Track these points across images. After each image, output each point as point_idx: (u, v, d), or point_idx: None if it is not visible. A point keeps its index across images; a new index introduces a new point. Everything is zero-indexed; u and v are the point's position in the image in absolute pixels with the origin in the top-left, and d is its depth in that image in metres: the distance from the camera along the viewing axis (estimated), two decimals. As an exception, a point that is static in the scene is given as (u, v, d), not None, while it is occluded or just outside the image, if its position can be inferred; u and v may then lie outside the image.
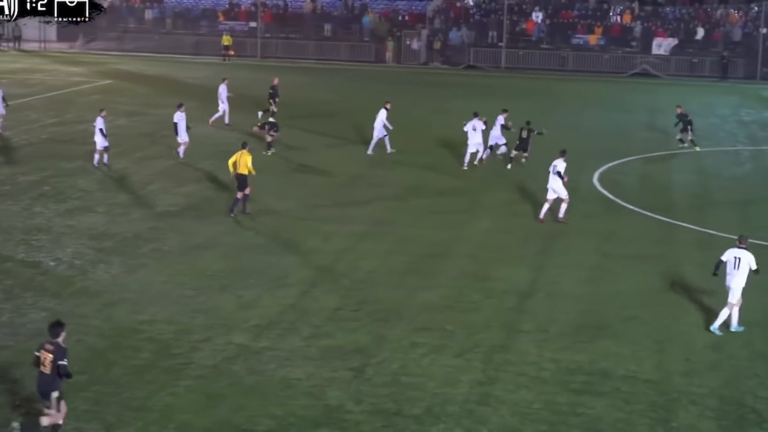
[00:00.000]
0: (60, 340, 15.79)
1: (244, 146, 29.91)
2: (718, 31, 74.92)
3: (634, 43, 75.67)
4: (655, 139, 45.48)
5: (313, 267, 25.06)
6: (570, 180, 35.53)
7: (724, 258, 21.32)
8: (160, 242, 26.91)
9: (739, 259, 21.21)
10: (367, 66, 73.67)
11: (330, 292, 23.22)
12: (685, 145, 42.10)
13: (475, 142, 36.98)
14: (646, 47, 74.54)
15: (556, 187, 29.65)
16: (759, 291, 23.73)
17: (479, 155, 37.34)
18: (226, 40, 74.71)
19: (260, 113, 41.86)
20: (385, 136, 39.24)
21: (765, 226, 30.10)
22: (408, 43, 76.68)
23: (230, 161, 29.72)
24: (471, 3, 79.74)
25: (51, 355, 15.58)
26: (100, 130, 35.32)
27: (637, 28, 75.76)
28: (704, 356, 19.97)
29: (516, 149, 37.99)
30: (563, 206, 29.83)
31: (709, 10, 76.93)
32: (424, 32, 77.00)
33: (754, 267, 21.12)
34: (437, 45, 76.28)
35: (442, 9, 79.32)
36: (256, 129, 39.54)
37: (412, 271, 24.91)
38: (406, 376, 18.73)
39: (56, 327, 15.93)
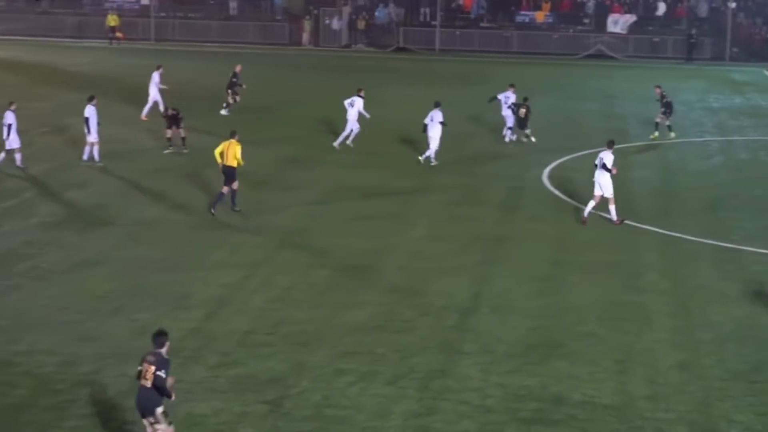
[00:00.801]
0: (164, 350, 16.34)
1: (232, 135, 30.87)
2: (682, 6, 76.12)
3: (586, 21, 76.63)
4: (612, 129, 45.98)
5: (220, 284, 24.96)
6: (516, 177, 36.07)
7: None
8: (38, 259, 26.60)
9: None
10: (281, 49, 73.62)
11: (240, 313, 23.14)
12: (656, 134, 43.44)
13: (434, 136, 37.37)
14: (601, 25, 75.44)
15: (603, 182, 30.39)
16: (730, 302, 24.19)
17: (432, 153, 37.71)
18: (112, 20, 74.16)
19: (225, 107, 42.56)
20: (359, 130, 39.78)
21: (737, 227, 30.66)
22: (327, 22, 76.79)
23: (216, 151, 30.69)
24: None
25: (153, 367, 16.09)
26: (8, 126, 34.78)
27: (591, 3, 76.68)
28: (671, 377, 20.25)
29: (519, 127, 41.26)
30: (612, 208, 30.43)
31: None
32: (346, 10, 77.17)
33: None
34: (361, 24, 76.51)
35: (367, -17, 79.60)
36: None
37: (335, 287, 24.92)
38: (331, 409, 18.72)
39: (160, 337, 16.46)
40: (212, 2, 79.34)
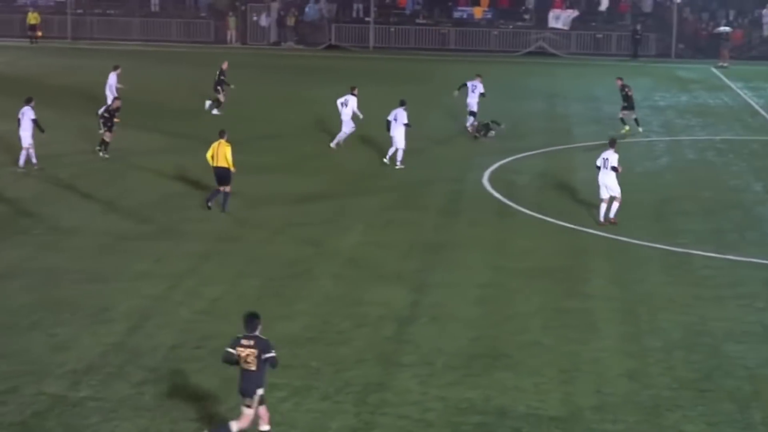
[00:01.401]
0: (258, 332, 17.19)
1: (221, 135, 31.55)
2: (626, 1, 76.84)
3: (527, 17, 77.08)
4: (555, 130, 46.44)
5: (144, 296, 24.78)
6: (456, 180, 36.20)
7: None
8: (-52, 271, 26.30)
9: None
10: (206, 47, 73.42)
11: (166, 327, 22.98)
12: (627, 128, 44.60)
13: (398, 137, 37.76)
14: (542, 21, 75.97)
15: (609, 184, 30.95)
16: (679, 308, 24.42)
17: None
18: (33, 18, 73.57)
19: (208, 103, 42.18)
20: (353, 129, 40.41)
21: (685, 230, 30.99)
22: (255, 19, 76.67)
23: (208, 154, 31.56)
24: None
25: (255, 351, 16.99)
26: None
27: (531, -3, 77.19)
28: (618, 387, 20.40)
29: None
30: (615, 205, 31.01)
31: (613, -25, 78.88)
32: (275, 6, 77.09)
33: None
34: (291, 21, 76.47)
35: (296, -22, 79.54)
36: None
37: (266, 297, 24.84)
38: (263, 426, 18.66)
39: (253, 320, 17.35)
40: (133, -2, 78.93)
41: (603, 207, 31.14)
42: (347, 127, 40.73)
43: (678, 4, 74.64)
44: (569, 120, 49.07)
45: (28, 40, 72.68)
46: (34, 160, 36.27)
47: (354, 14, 77.92)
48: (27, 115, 36.01)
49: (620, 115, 45.07)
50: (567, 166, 39.47)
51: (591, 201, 34.31)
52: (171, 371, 20.71)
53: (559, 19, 75.34)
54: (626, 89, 44.87)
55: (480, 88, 44.11)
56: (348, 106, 40.47)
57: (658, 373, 21.03)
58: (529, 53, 73.65)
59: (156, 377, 20.43)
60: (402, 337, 22.68)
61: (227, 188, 31.44)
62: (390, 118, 37.80)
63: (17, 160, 36.52)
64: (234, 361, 17.17)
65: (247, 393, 17.24)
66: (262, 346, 17.08)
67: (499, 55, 72.81)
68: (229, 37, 75.97)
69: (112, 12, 78.32)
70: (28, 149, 36.18)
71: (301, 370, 20.82)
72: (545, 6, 76.39)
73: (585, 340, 22.56)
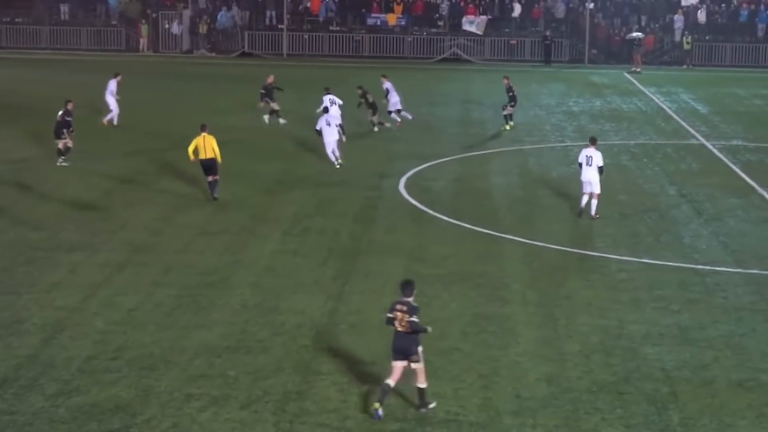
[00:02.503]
0: (411, 299, 19.20)
1: (203, 129, 33.65)
2: (539, 7, 77.55)
3: (441, 23, 77.50)
4: (470, 135, 46.70)
5: (57, 307, 24.50)
6: (371, 187, 36.26)
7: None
8: None
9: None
10: (117, 56, 72.81)
11: (80, 338, 22.75)
12: (509, 126, 46.91)
13: (330, 140, 38.75)
14: (456, 28, 76.46)
15: (594, 180, 32.41)
16: (596, 312, 24.67)
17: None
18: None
19: (266, 117, 44.34)
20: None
21: (601, 234, 31.31)
22: (167, 26, 76.26)
23: (190, 149, 33.47)
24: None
25: (407, 315, 19.04)
26: None
27: (444, 4, 77.63)
28: (537, 391, 20.55)
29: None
30: (594, 202, 32.53)
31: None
32: (187, 13, 76.77)
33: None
34: (203, 29, 76.22)
35: (208, -16, 79.22)
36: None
37: (182, 307, 24.69)
38: (181, 437, 18.55)
39: (410, 285, 19.49)
40: (42, 6, 77.96)
41: (584, 199, 32.72)
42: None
43: (590, 9, 75.50)
44: (484, 125, 49.37)
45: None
46: None
47: (267, 21, 77.79)
48: None
49: (504, 112, 47.00)
50: (482, 172, 39.70)
51: (507, 206, 34.59)
52: (86, 383, 20.50)
53: (473, 23, 75.80)
54: (513, 90, 47.06)
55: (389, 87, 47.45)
56: (335, 105, 42.48)
57: (577, 376, 21.22)
58: (444, 59, 74.07)
59: (71, 389, 20.21)
60: (320, 345, 22.66)
61: (216, 177, 33.73)
62: (320, 126, 38.84)
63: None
64: (390, 323, 19.26)
65: (408, 352, 19.17)
66: (411, 310, 19.14)
67: (413, 61, 73.15)
68: (141, 45, 75.45)
69: (20, 20, 77.38)
70: None
71: (218, 380, 20.72)
72: (459, 13, 76.88)
73: (504, 345, 22.69)
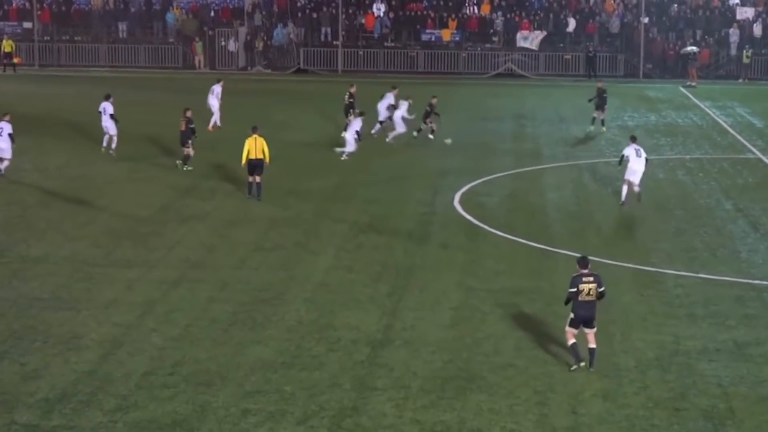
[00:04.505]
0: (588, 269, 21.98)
1: (255, 130, 35.65)
2: (593, 23, 77.25)
3: (495, 38, 77.39)
4: (524, 151, 46.53)
5: (114, 323, 24.66)
6: (426, 203, 36.27)
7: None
8: None
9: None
10: (174, 73, 73.36)
11: (138, 354, 22.88)
12: (592, 128, 49.52)
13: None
14: (510, 43, 76.33)
15: (641, 170, 36.01)
16: (652, 328, 24.50)
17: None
18: (7, 45, 73.46)
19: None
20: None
21: (657, 249, 31.11)
22: (223, 44, 76.72)
23: (243, 153, 35.43)
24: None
25: (596, 285, 21.77)
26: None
27: (499, 20, 77.51)
28: (593, 407, 20.44)
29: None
30: (636, 189, 35.98)
31: (580, -4, 79.24)
32: (242, 30, 77.11)
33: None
34: (259, 45, 76.55)
35: (264, 2, 79.56)
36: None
37: (238, 323, 24.78)
38: (237, 452, 18.61)
39: (586, 259, 22.34)
40: (100, 24, 78.70)
41: (625, 189, 36.10)
42: (400, 127, 46.01)
43: (645, 24, 75.10)
44: (537, 140, 49.23)
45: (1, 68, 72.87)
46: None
47: (322, 38, 78.01)
48: (5, 129, 38.71)
49: (593, 115, 50.79)
50: (536, 187, 39.58)
51: (561, 221, 34.45)
52: (144, 398, 20.62)
53: (527, 39, 75.67)
54: (605, 91, 51.09)
55: (390, 100, 47.82)
56: (400, 110, 45.60)
57: (633, 392, 21.09)
58: (498, 75, 73.95)
59: (128, 404, 20.34)
60: (375, 360, 22.65)
61: (258, 178, 35.48)
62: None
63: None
64: (576, 297, 21.68)
65: (591, 320, 21.73)
66: (599, 281, 21.85)
67: (468, 77, 73.09)
68: (197, 62, 75.94)
69: (79, 38, 78.13)
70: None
71: (274, 395, 20.78)
72: (513, 28, 76.71)
73: (559, 361, 22.59)
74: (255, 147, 35.32)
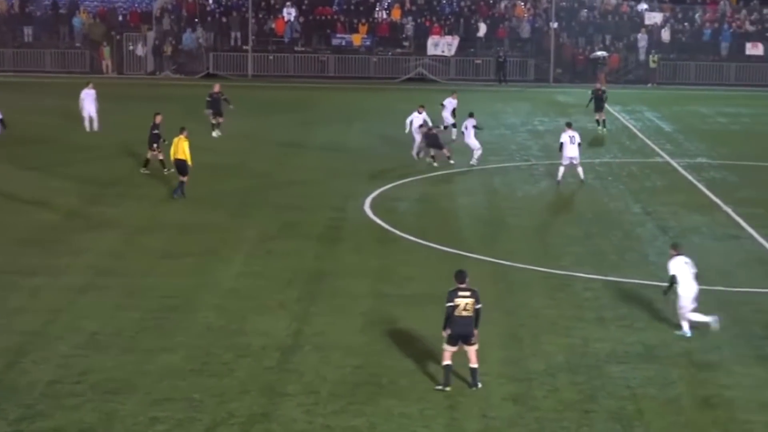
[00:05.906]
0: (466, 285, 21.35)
1: (181, 131, 36.85)
2: (504, 27, 77.87)
3: (406, 43, 77.69)
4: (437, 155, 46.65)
5: (19, 331, 24.35)
6: (336, 208, 36.28)
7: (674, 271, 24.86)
8: None
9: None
10: (80, 78, 72.24)
11: (43, 362, 22.62)
12: (600, 128, 52.29)
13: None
14: (421, 48, 76.70)
15: (577, 155, 40.41)
16: (561, 331, 24.73)
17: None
18: None
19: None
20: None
21: (566, 252, 31.41)
22: (131, 48, 76.08)
23: (171, 151, 36.72)
24: (207, -2, 79.87)
25: (473, 300, 21.14)
26: None
27: (409, 25, 77.82)
28: (503, 410, 20.58)
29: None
30: (579, 169, 40.51)
31: (491, 1, 79.77)
32: (151, 35, 76.60)
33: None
34: (168, 50, 76.02)
35: (172, 6, 79.08)
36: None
37: (146, 330, 24.60)
38: (145, 460, 18.48)
39: (462, 274, 21.57)
40: (5, 28, 77.67)
41: (561, 171, 40.11)
42: (418, 137, 45.51)
43: (555, 29, 75.85)
44: (448, 145, 49.36)
45: None
46: None
47: (232, 42, 77.74)
48: None
49: (596, 117, 53.82)
50: (449, 192, 39.80)
51: (473, 226, 34.65)
52: (49, 407, 20.38)
53: (439, 45, 76.08)
54: (604, 91, 54.46)
55: (453, 105, 51.26)
56: (414, 123, 45.43)
57: (543, 395, 21.27)
58: (409, 79, 74.25)
59: (34, 414, 20.10)
60: (285, 366, 22.62)
61: (184, 178, 36.58)
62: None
63: None
64: (452, 313, 21.04)
65: (468, 336, 21.11)
66: (477, 297, 21.14)
67: (379, 81, 73.29)
68: (104, 67, 75.27)
69: (-17, 43, 77.13)
70: None
71: (183, 403, 20.65)
72: (424, 33, 77.07)
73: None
74: (178, 148, 36.60)
